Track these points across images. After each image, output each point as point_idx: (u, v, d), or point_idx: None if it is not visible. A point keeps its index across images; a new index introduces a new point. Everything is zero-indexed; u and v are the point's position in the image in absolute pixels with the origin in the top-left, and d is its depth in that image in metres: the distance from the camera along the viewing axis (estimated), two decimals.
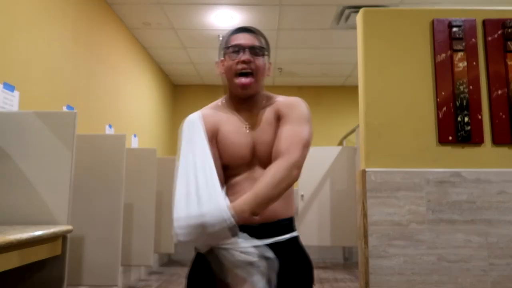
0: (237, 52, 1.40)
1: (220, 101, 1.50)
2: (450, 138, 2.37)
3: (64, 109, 3.04)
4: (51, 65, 2.90)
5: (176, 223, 1.23)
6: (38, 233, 1.64)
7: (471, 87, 2.41)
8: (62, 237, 1.89)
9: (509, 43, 2.43)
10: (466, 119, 2.37)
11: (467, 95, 2.39)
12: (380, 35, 2.47)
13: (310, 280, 1.39)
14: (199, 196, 1.25)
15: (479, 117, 2.39)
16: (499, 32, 2.46)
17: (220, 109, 1.47)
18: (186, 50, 5.22)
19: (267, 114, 1.43)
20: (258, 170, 1.39)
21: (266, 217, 1.35)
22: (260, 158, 1.39)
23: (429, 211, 2.31)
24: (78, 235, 2.45)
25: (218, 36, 4.70)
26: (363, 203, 2.34)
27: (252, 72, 1.39)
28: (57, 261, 1.88)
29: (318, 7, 4.00)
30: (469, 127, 2.36)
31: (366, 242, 2.30)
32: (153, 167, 3.44)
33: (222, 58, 1.46)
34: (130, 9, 4.07)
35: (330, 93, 6.53)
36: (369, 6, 2.67)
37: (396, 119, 2.40)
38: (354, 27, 2.72)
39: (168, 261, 6.17)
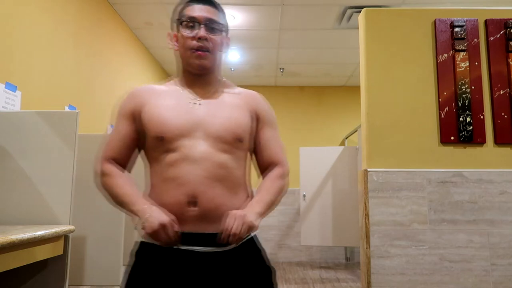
0: (192, 27, 1.24)
1: (174, 78, 1.35)
2: (452, 138, 2.36)
3: (66, 109, 3.04)
4: (53, 65, 2.91)
5: None
6: (40, 233, 1.64)
7: (473, 87, 2.40)
8: (64, 237, 1.89)
9: (511, 43, 2.43)
10: (468, 119, 2.36)
11: (469, 95, 2.39)
12: (382, 35, 2.47)
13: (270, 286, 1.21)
14: None
15: (481, 117, 2.38)
16: (502, 32, 2.45)
17: (169, 85, 1.32)
18: None
19: (233, 99, 1.29)
20: (198, 148, 1.19)
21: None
22: (211, 132, 1.20)
23: (431, 211, 2.30)
24: (80, 234, 2.45)
25: None
26: (365, 203, 2.34)
27: (208, 50, 1.23)
28: (59, 261, 1.88)
29: (320, 7, 3.99)
30: (471, 127, 2.35)
31: (368, 242, 2.29)
32: None
33: (176, 32, 1.29)
34: (132, 9, 4.07)
35: (332, 93, 6.52)
36: (371, 6, 2.67)
37: (398, 119, 2.40)
38: (356, 27, 2.72)
39: None
